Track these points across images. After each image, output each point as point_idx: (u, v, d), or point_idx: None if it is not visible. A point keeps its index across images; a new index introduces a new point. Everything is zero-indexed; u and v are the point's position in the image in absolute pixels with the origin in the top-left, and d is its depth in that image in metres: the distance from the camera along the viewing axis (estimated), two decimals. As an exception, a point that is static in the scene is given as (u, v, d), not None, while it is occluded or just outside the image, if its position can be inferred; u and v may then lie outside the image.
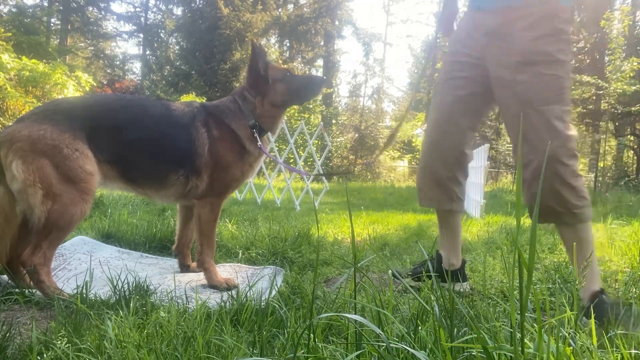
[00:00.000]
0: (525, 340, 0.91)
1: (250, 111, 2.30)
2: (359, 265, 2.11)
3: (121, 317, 1.44)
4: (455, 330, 1.21)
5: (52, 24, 30.89)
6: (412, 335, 1.14)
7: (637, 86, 12.05)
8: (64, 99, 2.12)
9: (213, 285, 2.18)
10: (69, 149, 1.91)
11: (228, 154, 2.25)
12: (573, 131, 1.94)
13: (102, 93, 2.64)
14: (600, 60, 17.75)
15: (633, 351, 1.14)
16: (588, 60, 18.62)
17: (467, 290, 2.26)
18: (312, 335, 1.13)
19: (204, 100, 18.64)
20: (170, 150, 2.19)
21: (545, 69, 1.94)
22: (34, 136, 1.86)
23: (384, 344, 0.98)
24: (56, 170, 1.87)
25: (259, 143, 2.27)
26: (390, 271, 2.44)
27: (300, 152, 13.81)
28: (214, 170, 2.23)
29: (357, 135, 24.04)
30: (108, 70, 33.39)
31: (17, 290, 1.86)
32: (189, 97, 18.53)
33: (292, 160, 14.91)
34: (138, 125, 2.14)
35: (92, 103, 2.21)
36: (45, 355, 1.22)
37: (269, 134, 2.44)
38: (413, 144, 28.22)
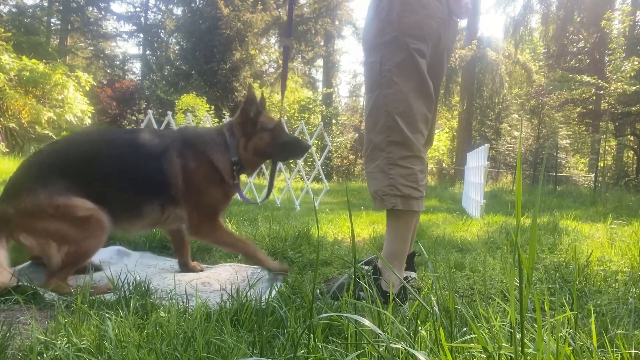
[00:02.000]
0: (525, 340, 0.91)
1: (235, 147, 2.28)
2: (358, 265, 2.11)
3: (121, 317, 1.44)
4: (456, 330, 1.21)
5: (52, 24, 30.92)
6: (412, 335, 1.14)
7: (637, 86, 12.05)
8: (44, 154, 2.18)
9: (268, 269, 2.25)
10: (66, 202, 1.98)
11: (205, 183, 2.22)
12: (397, 121, 1.92)
13: (75, 134, 2.54)
14: (600, 60, 17.77)
15: (633, 351, 1.14)
16: (588, 60, 18.64)
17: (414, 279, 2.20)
18: (312, 335, 1.13)
19: (204, 100, 18.69)
20: (141, 181, 2.17)
21: (368, 57, 2.00)
22: (32, 209, 1.95)
23: (384, 344, 0.98)
24: (63, 222, 1.95)
25: (236, 181, 2.25)
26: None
27: (300, 152, 13.79)
28: (195, 198, 2.20)
29: (357, 135, 24.06)
30: (108, 70, 33.42)
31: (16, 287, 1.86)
32: (189, 97, 18.54)
33: (292, 160, 14.88)
34: (109, 159, 2.14)
35: (69, 149, 2.21)
36: (45, 355, 1.22)
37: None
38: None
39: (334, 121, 21.65)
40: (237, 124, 2.32)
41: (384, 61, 1.92)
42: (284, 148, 2.34)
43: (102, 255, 2.62)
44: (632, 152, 17.78)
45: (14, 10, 26.87)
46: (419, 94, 1.96)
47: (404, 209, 1.94)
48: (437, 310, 1.12)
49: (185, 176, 2.18)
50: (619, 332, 1.36)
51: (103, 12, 32.40)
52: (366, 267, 2.06)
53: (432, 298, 1.32)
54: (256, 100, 2.31)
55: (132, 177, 2.15)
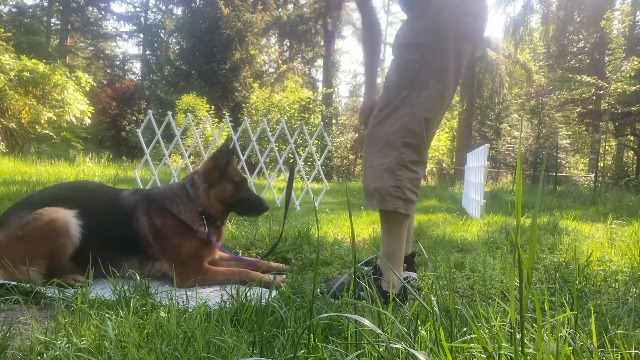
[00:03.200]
0: (525, 340, 0.91)
1: (197, 196, 2.28)
2: (358, 265, 2.11)
3: (121, 317, 1.44)
4: (456, 330, 1.21)
5: (52, 24, 30.94)
6: (412, 335, 1.14)
7: (637, 86, 12.05)
8: (28, 196, 2.30)
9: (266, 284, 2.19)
10: (34, 215, 2.05)
11: (175, 238, 2.22)
12: (413, 121, 1.88)
13: (59, 184, 2.50)
14: (600, 60, 17.76)
15: (633, 351, 1.14)
16: (588, 60, 18.64)
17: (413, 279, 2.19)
18: (312, 335, 1.13)
19: (204, 100, 18.69)
20: (115, 240, 2.20)
21: (405, 53, 1.94)
22: (3, 240, 2.02)
23: (384, 344, 0.98)
24: (31, 240, 2.00)
25: (206, 230, 2.25)
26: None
27: (301, 152, 13.80)
28: (173, 254, 2.21)
29: (357, 135, 24.07)
30: (108, 70, 33.44)
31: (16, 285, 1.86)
32: (189, 97, 18.55)
33: (292, 160, 14.90)
34: (89, 218, 2.15)
35: (54, 193, 2.30)
36: (45, 355, 1.22)
37: None
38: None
39: (334, 121, 21.64)
40: (202, 172, 2.35)
41: (424, 62, 1.87)
42: (243, 203, 2.38)
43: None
44: (632, 152, 17.76)
45: (14, 10, 26.88)
46: (442, 102, 1.96)
47: (405, 213, 1.94)
48: (437, 310, 1.12)
49: (155, 235, 2.21)
50: (619, 332, 1.36)
51: (103, 12, 32.43)
52: (366, 268, 2.06)
53: (432, 298, 1.32)
54: (230, 150, 2.35)
55: (107, 234, 2.18)
